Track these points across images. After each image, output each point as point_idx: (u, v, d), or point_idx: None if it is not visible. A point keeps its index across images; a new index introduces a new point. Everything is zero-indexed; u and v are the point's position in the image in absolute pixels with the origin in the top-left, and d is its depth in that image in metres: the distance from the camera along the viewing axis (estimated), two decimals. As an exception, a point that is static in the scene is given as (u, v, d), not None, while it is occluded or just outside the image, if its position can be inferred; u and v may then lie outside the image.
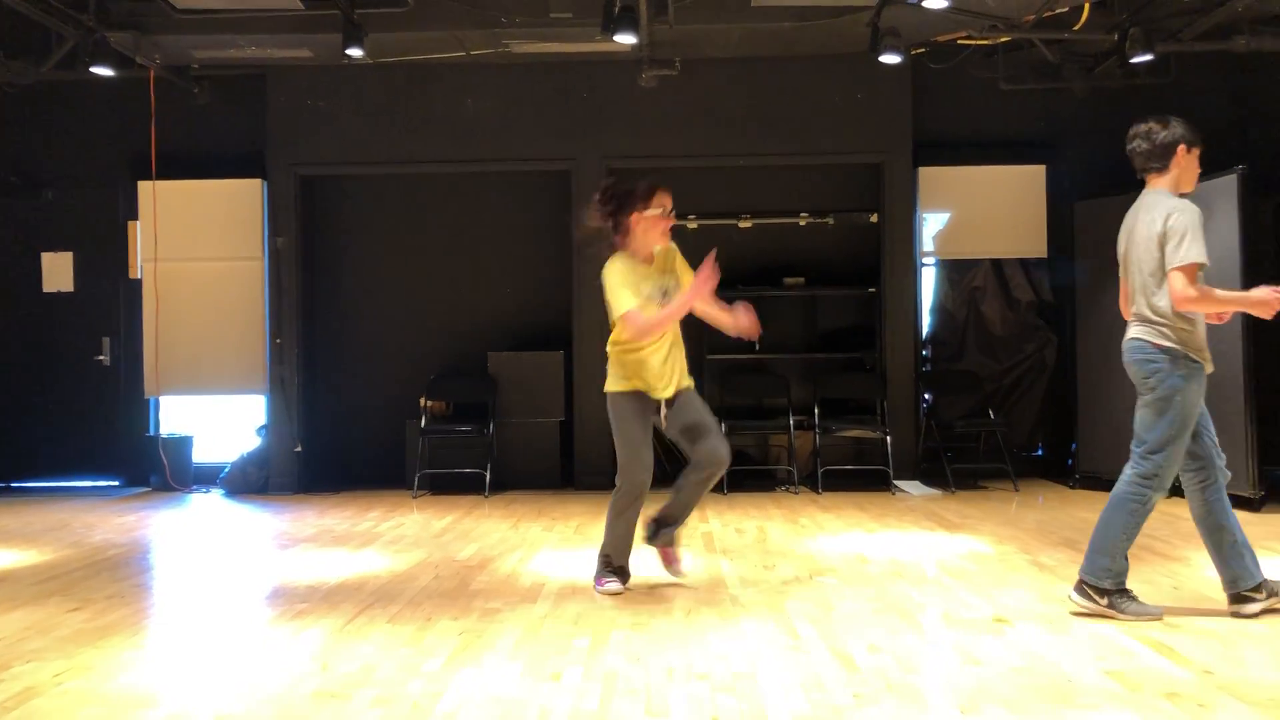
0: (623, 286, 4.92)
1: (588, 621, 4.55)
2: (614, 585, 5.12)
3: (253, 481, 9.03)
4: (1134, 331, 4.64)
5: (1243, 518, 6.92)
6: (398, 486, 8.91)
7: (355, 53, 7.60)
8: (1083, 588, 4.51)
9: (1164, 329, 4.50)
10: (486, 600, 4.98)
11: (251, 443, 9.28)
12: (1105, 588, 4.46)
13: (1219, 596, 4.77)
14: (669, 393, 5.13)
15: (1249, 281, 7.32)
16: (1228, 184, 7.44)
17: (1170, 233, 4.44)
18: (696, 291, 4.99)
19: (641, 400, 5.08)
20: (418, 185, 9.61)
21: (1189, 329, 4.47)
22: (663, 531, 5.30)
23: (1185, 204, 4.53)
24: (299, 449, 9.05)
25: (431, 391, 9.03)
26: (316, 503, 8.38)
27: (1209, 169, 7.98)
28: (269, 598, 5.25)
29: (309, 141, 9.12)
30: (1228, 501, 4.57)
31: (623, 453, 5.08)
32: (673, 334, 5.21)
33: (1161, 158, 4.67)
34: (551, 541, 6.55)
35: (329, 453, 9.38)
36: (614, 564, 5.18)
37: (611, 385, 5.12)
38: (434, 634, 4.39)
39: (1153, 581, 5.17)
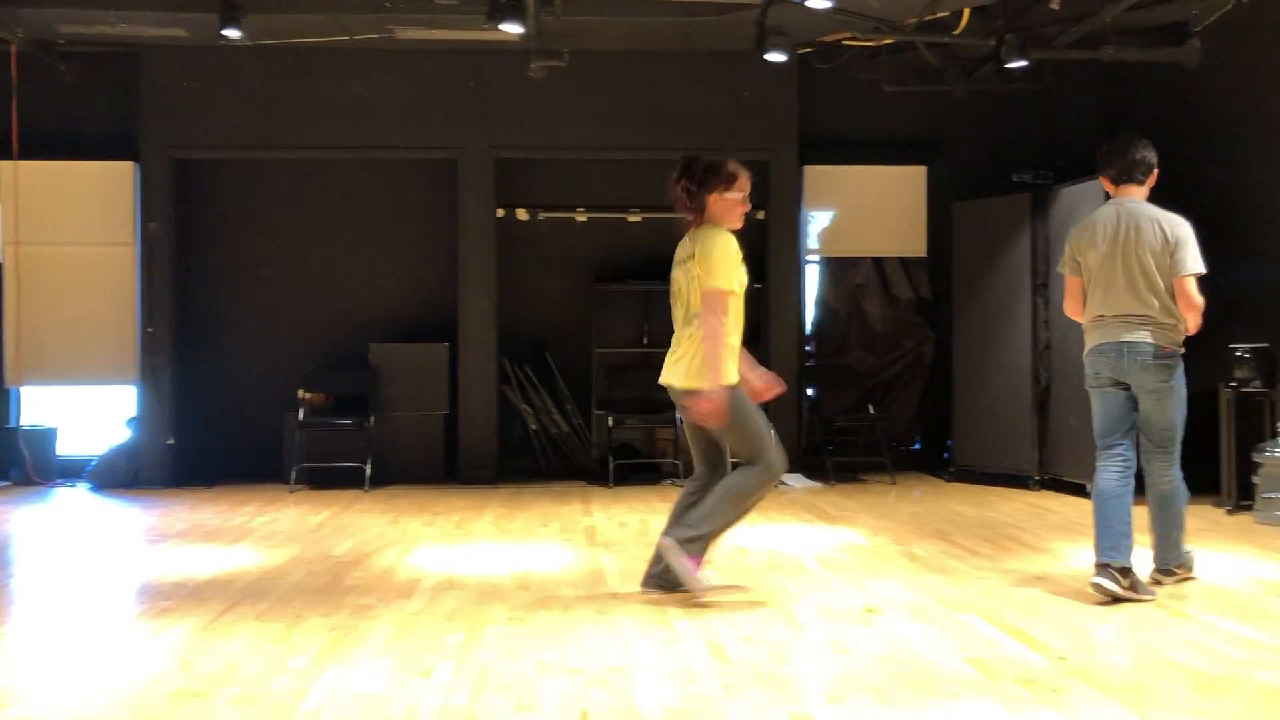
0: (737, 265, 4.73)
1: (463, 617, 4.50)
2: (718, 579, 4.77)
3: (121, 475, 8.71)
4: (1146, 336, 4.76)
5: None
6: (274, 481, 8.68)
7: (232, 34, 7.38)
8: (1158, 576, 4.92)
9: (1174, 332, 4.77)
10: (360, 597, 4.88)
11: (121, 435, 8.95)
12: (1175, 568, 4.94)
13: (1079, 585, 4.95)
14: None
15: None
16: (1095, 188, 7.64)
17: (1182, 242, 4.70)
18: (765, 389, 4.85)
19: None
20: (298, 172, 9.38)
21: (1181, 329, 4.81)
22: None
23: (1181, 217, 4.83)
24: (171, 441, 8.75)
25: (310, 383, 8.82)
26: (188, 497, 8.12)
27: (1079, 172, 8.30)
28: (133, 595, 5.07)
29: (184, 124, 8.81)
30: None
31: (760, 437, 4.72)
32: None
33: (1147, 172, 4.93)
34: (431, 537, 6.47)
35: (203, 446, 9.09)
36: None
37: (731, 377, 4.70)
38: (303, 631, 4.29)
39: (1017, 571, 5.33)
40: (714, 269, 4.67)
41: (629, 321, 9.47)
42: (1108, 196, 5.05)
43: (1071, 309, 5.03)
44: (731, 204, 4.87)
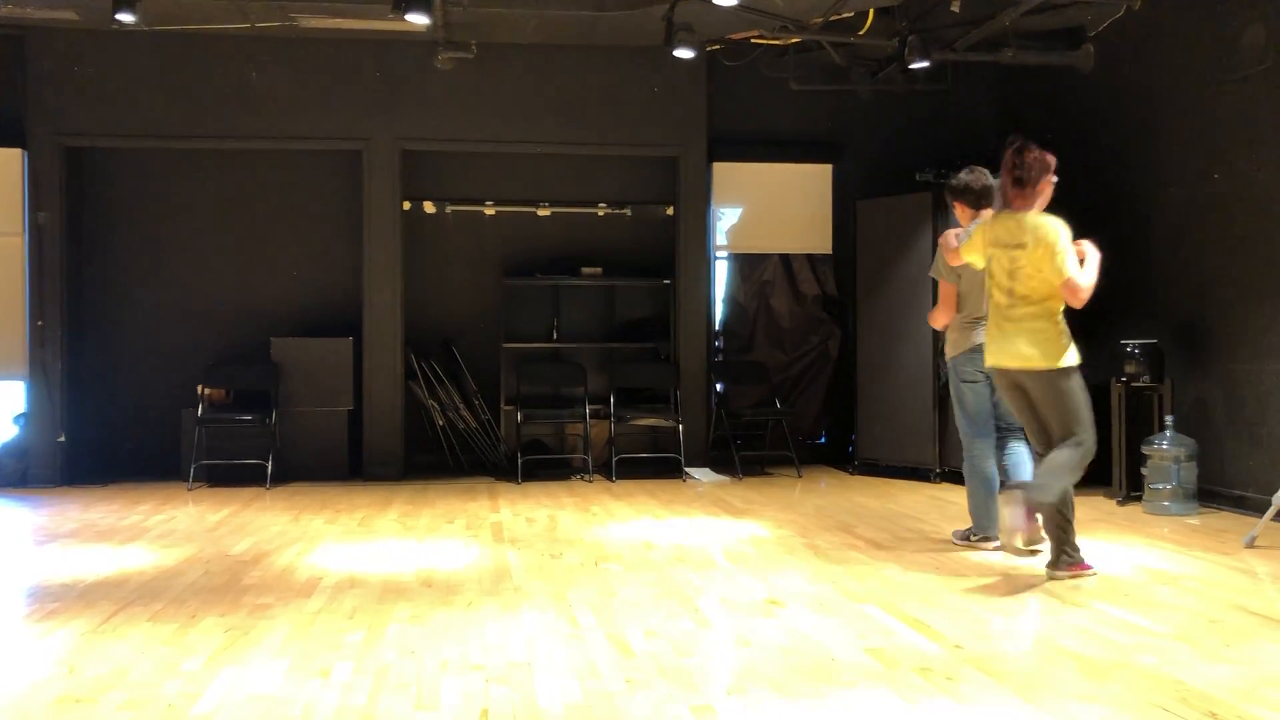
0: (1072, 253, 4.96)
1: (364, 616, 4.43)
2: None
3: (10, 473, 8.39)
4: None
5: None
6: (172, 479, 8.44)
7: (126, 18, 7.12)
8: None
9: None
10: (258, 596, 4.78)
11: (9, 432, 8.62)
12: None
13: (976, 576, 5.08)
14: None
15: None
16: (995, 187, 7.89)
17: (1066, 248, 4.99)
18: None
19: None
20: (197, 161, 9.12)
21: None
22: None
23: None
24: (62, 439, 8.45)
25: (210, 378, 8.60)
26: (81, 496, 7.86)
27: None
28: (19, 597, 4.89)
29: (75, 111, 8.51)
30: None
31: (1087, 417, 5.01)
32: None
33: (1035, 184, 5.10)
34: (334, 534, 6.36)
35: (96, 443, 8.80)
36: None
37: (1075, 358, 5.02)
38: (197, 632, 4.18)
39: (917, 561, 5.44)
40: (1067, 262, 4.93)
41: (538, 316, 9.43)
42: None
43: (944, 319, 5.94)
44: (1050, 190, 5.14)
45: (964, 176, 5.89)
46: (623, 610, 4.50)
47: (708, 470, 8.89)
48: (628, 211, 9.48)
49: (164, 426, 8.70)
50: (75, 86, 8.50)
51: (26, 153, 8.50)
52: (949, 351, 5.92)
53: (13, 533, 6.62)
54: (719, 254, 9.61)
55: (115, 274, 9.06)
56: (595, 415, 8.94)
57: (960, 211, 5.90)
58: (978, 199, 5.79)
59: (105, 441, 8.86)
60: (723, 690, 3.46)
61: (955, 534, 6.05)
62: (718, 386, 9.43)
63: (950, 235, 5.72)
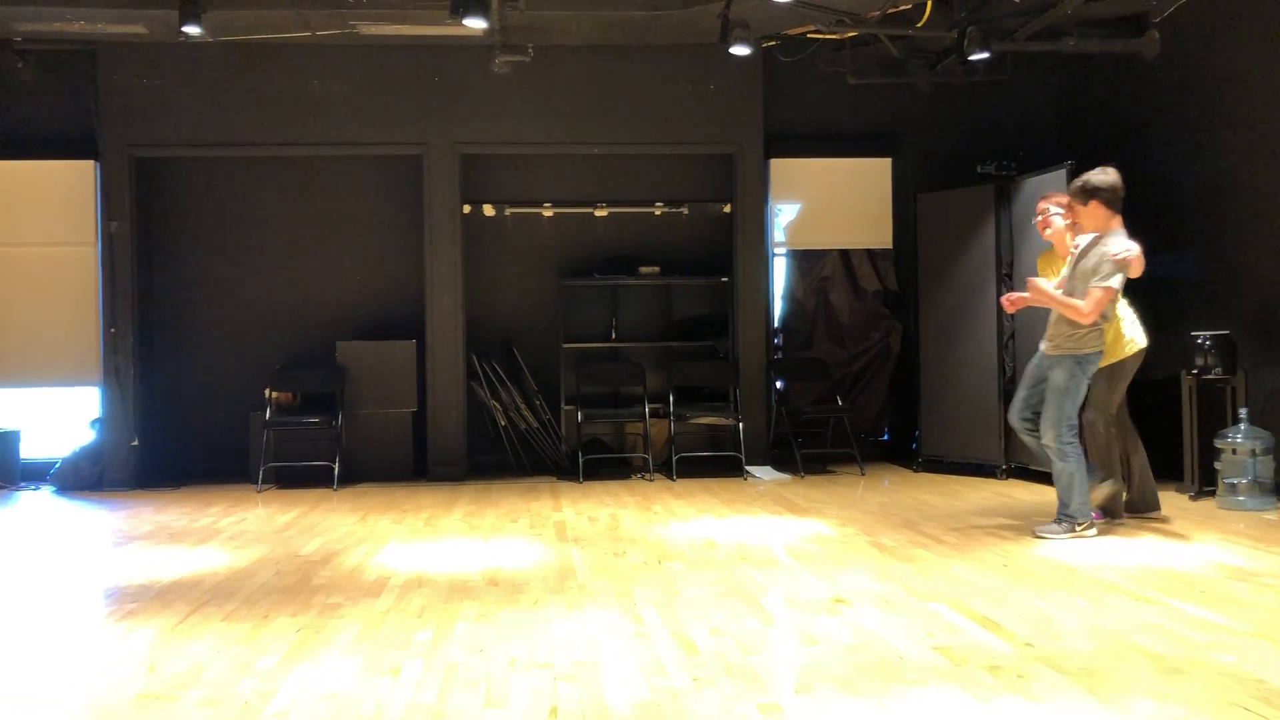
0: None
1: (432, 614, 4.49)
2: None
3: (86, 477, 8.62)
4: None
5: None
6: (241, 481, 8.62)
7: (193, 30, 7.29)
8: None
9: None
10: (328, 595, 4.86)
11: (85, 436, 8.85)
12: (1075, 518, 5.93)
13: (1045, 573, 5.02)
14: None
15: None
16: (1057, 178, 7.78)
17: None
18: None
19: None
20: (262, 169, 9.30)
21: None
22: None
23: None
24: (135, 443, 8.67)
25: (277, 382, 8.76)
26: (154, 499, 8.05)
27: (1042, 163, 8.38)
28: (98, 597, 5.02)
29: (144, 122, 8.72)
30: None
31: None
32: None
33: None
34: (400, 534, 6.44)
35: (168, 447, 9.01)
36: None
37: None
38: (270, 631, 4.26)
39: (983, 559, 5.38)
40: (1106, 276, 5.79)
41: (597, 316, 9.48)
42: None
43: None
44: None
45: (1103, 177, 5.87)
46: (687, 608, 4.51)
47: (769, 468, 8.86)
48: (685, 210, 9.48)
49: (233, 430, 8.88)
50: (144, 99, 8.71)
51: (98, 164, 8.73)
52: (1090, 345, 5.87)
53: (91, 535, 6.79)
54: (777, 250, 9.58)
55: (184, 281, 9.26)
56: (655, 414, 8.96)
57: (1095, 213, 5.87)
58: (1118, 200, 5.87)
59: (176, 445, 9.07)
60: (790, 688, 3.45)
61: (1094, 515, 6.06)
62: (777, 384, 9.39)
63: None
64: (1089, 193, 5.83)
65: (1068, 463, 5.87)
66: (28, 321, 8.83)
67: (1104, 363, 6.03)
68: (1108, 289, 5.71)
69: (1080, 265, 5.85)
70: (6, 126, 8.71)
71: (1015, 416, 6.13)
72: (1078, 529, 5.87)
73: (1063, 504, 5.94)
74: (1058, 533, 5.89)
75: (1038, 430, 5.97)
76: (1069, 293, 5.87)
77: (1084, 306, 5.71)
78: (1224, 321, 7.37)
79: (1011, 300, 6.16)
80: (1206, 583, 4.82)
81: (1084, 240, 5.93)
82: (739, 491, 7.96)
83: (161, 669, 3.80)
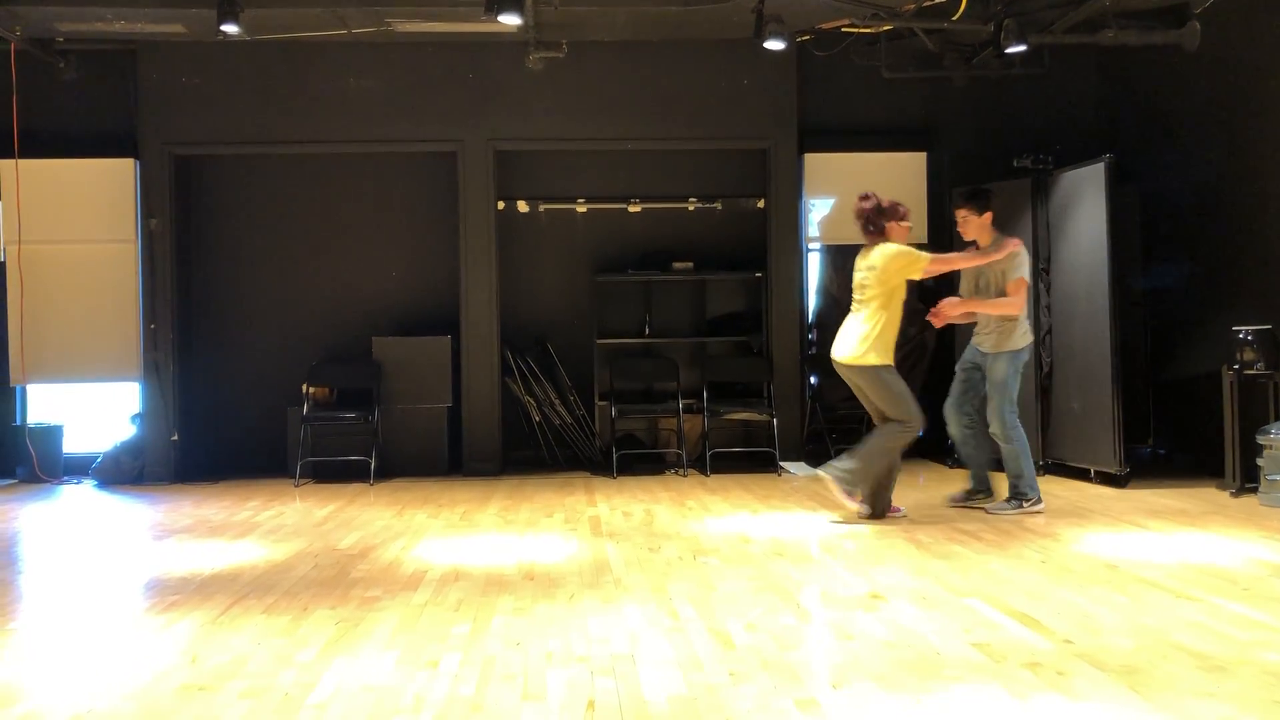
0: (912, 250, 6.33)
1: (469, 608, 4.52)
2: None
3: (127, 471, 8.73)
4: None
5: (1108, 494, 7.24)
6: (279, 475, 8.70)
7: (231, 29, 7.36)
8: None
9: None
10: (366, 589, 4.90)
11: (125, 431, 8.97)
12: (1025, 495, 6.49)
13: (1083, 569, 4.98)
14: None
15: (1115, 266, 7.63)
16: (1095, 172, 7.70)
17: None
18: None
19: None
20: (298, 166, 9.37)
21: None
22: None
23: None
24: (175, 437, 8.77)
25: (314, 377, 8.84)
26: (193, 493, 8.14)
27: (1079, 157, 8.30)
28: (140, 590, 5.09)
29: (183, 120, 8.81)
30: None
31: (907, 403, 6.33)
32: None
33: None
34: (436, 529, 6.48)
35: (207, 441, 9.12)
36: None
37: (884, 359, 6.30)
38: (310, 624, 4.30)
39: (1021, 555, 5.34)
40: (912, 258, 6.33)
41: (630, 312, 9.48)
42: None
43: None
44: (904, 230, 6.49)
45: (990, 195, 6.76)
46: (722, 604, 4.51)
47: (803, 464, 8.84)
48: (718, 205, 9.47)
49: (270, 425, 8.96)
50: (183, 97, 8.80)
51: (138, 162, 8.83)
52: (1022, 340, 6.55)
53: (132, 528, 6.89)
54: (811, 246, 9.54)
55: (222, 277, 9.36)
56: (688, 410, 8.96)
57: (986, 221, 6.72)
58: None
59: (215, 440, 9.17)
60: (827, 684, 3.45)
61: (994, 507, 6.62)
62: (811, 380, 9.36)
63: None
64: (985, 205, 6.67)
65: (1014, 445, 6.48)
66: (69, 318, 8.95)
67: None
68: (1022, 279, 6.49)
69: (988, 270, 6.58)
70: (48, 125, 8.83)
71: (950, 410, 6.80)
72: (1025, 506, 6.47)
73: (1013, 484, 6.52)
74: (1009, 511, 6.47)
75: (969, 423, 6.70)
76: (979, 290, 6.63)
77: (1012, 301, 6.46)
78: (1266, 316, 7.26)
79: (940, 313, 6.68)
80: (1249, 580, 4.76)
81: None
82: (773, 487, 7.94)
83: (203, 660, 3.84)
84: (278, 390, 9.00)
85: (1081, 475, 7.83)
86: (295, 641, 4.06)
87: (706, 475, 8.53)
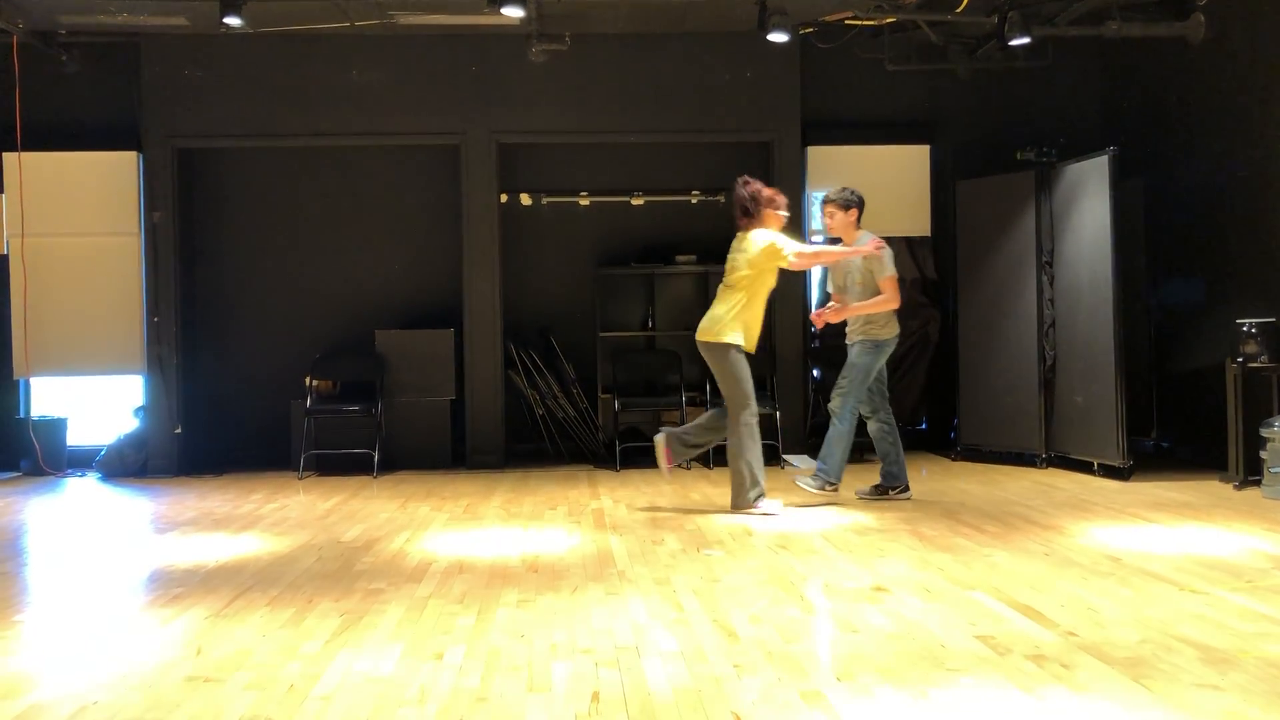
0: (783, 238, 6.54)
1: (473, 600, 4.52)
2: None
3: (130, 464, 8.74)
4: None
5: (1111, 487, 7.24)
6: (282, 468, 8.71)
7: (233, 22, 7.36)
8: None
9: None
10: (370, 581, 4.91)
11: (129, 424, 8.98)
12: (828, 475, 6.73)
13: (1087, 562, 4.98)
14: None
15: (1119, 256, 7.63)
16: (1099, 165, 7.70)
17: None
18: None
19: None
20: (301, 159, 9.37)
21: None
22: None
23: None
24: (179, 430, 8.78)
25: (317, 370, 8.84)
26: (197, 485, 8.15)
27: (1083, 150, 8.29)
28: (144, 583, 5.10)
29: (186, 113, 8.81)
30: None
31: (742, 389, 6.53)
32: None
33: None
34: (440, 521, 6.49)
35: (210, 434, 9.12)
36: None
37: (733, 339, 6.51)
38: (314, 616, 4.31)
39: (1025, 548, 5.34)
40: (781, 245, 6.57)
41: (633, 305, 9.48)
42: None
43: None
44: (779, 218, 6.71)
45: (858, 193, 6.90)
46: (726, 596, 4.51)
47: (806, 457, 8.83)
48: (721, 198, 9.43)
49: (274, 418, 8.96)
50: (186, 90, 8.80)
51: (141, 155, 8.83)
52: (887, 332, 6.77)
53: (136, 521, 6.90)
54: (815, 238, 9.52)
55: (225, 270, 9.37)
56: (691, 403, 8.95)
57: (851, 220, 6.86)
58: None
59: (219, 433, 9.18)
60: (832, 676, 3.45)
61: (864, 491, 6.94)
62: (815, 373, 9.35)
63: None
64: (850, 203, 6.81)
65: (841, 427, 6.73)
66: (73, 311, 8.96)
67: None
68: (894, 276, 6.67)
69: (850, 264, 6.75)
70: (51, 118, 8.82)
71: (862, 410, 6.87)
72: (826, 488, 6.75)
73: (821, 463, 6.76)
74: (812, 486, 6.75)
75: (884, 418, 6.84)
76: (845, 289, 6.82)
77: (888, 299, 6.65)
78: (1270, 308, 7.26)
79: (822, 317, 6.86)
80: (1253, 573, 4.76)
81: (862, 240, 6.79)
82: (777, 480, 7.91)
83: (208, 652, 3.85)
84: (281, 383, 9.00)
85: (1085, 468, 7.83)
86: (300, 634, 4.07)
87: (710, 468, 8.53)
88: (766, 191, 6.62)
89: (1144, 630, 3.90)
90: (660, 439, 6.72)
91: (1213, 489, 7.02)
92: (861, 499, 6.90)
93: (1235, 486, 7.02)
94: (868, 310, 6.71)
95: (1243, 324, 7.13)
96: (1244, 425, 7.07)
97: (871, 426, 6.91)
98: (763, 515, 6.41)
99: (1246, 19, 7.68)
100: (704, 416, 6.87)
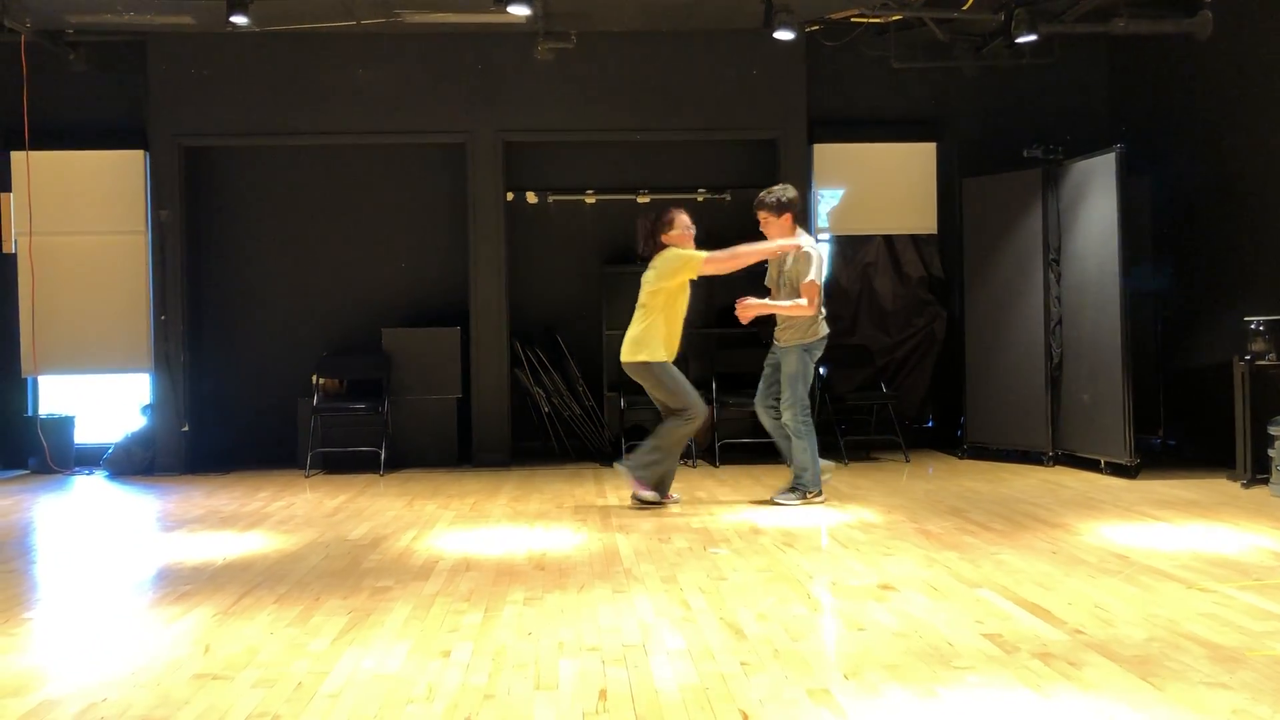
0: (688, 252, 6.67)
1: (480, 598, 4.53)
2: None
3: (138, 462, 8.76)
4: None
5: (1118, 485, 7.23)
6: (289, 466, 8.73)
7: (240, 20, 7.38)
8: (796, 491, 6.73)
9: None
10: (377, 579, 4.92)
11: (136, 422, 9.00)
12: (808, 487, 6.70)
13: (1095, 560, 4.97)
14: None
15: (1126, 254, 7.61)
16: (1106, 162, 7.68)
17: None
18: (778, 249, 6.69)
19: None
20: (307, 157, 9.39)
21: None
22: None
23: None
24: (186, 428, 8.80)
25: (324, 368, 8.86)
26: (204, 483, 8.17)
27: (1090, 147, 8.27)
28: (152, 581, 5.11)
29: (193, 112, 8.82)
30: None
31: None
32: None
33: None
34: (446, 519, 6.50)
35: (218, 432, 9.14)
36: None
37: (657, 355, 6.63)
38: (322, 614, 4.32)
39: (1032, 546, 5.34)
40: (687, 258, 6.68)
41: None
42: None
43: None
44: (687, 237, 6.82)
45: (793, 193, 6.86)
46: (733, 594, 4.51)
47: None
48: (727, 196, 9.45)
49: (281, 416, 8.98)
50: (193, 89, 8.81)
51: (148, 153, 8.85)
52: (815, 335, 6.76)
53: (144, 519, 6.91)
54: (820, 236, 9.52)
55: (232, 269, 9.38)
56: (698, 401, 8.94)
57: (786, 224, 6.79)
58: (800, 211, 6.96)
59: (226, 431, 9.20)
60: (839, 674, 3.45)
61: (783, 495, 6.84)
62: (821, 370, 9.33)
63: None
64: (784, 206, 6.74)
65: (803, 439, 6.71)
66: (80, 309, 8.98)
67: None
68: (814, 282, 6.63)
69: (786, 269, 6.76)
70: (59, 117, 8.85)
71: (758, 404, 6.94)
72: (809, 497, 6.72)
73: (797, 475, 6.74)
74: (793, 500, 6.71)
75: (777, 416, 6.81)
76: (779, 286, 6.80)
77: (806, 304, 6.64)
78: (1277, 306, 7.24)
79: (746, 307, 6.76)
80: (1261, 571, 4.75)
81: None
82: (783, 478, 7.91)
83: (216, 650, 3.86)
84: (288, 381, 9.02)
85: (1092, 466, 7.82)
86: (307, 631, 4.07)
87: (716, 466, 8.53)
88: (665, 219, 6.70)
89: (1152, 628, 3.89)
90: (622, 470, 6.84)
91: (1220, 487, 7.00)
92: (778, 503, 6.77)
93: (1243, 484, 7.01)
94: (784, 311, 6.71)
95: (1250, 321, 7.12)
96: (1252, 423, 7.05)
97: (766, 422, 6.93)
98: (640, 500, 6.64)
99: (1254, 16, 7.66)
100: (654, 431, 6.80)
